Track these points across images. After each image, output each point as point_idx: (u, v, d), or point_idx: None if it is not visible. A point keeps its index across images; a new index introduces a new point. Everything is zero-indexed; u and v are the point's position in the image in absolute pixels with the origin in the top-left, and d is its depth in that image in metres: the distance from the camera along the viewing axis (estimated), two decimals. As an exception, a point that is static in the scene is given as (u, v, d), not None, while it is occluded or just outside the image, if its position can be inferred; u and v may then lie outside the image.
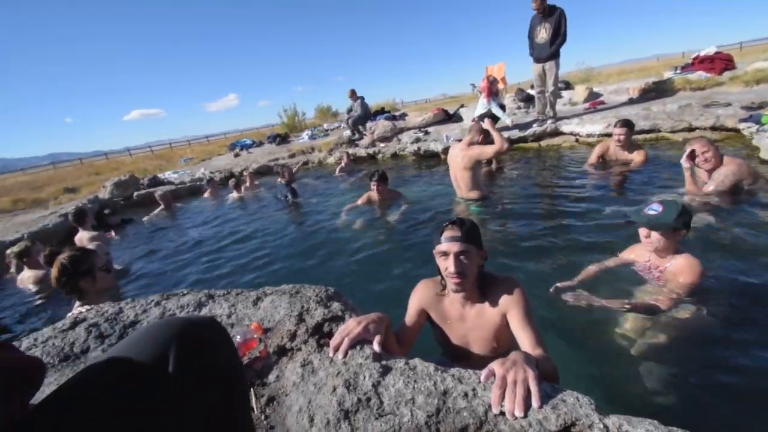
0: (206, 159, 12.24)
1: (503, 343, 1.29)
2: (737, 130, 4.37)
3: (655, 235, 1.73)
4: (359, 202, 4.01)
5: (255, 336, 1.13)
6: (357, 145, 8.55)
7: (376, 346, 0.99)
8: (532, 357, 0.90)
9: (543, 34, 5.57)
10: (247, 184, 6.57)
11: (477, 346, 1.31)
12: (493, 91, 6.52)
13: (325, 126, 12.83)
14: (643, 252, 1.88)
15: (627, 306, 1.70)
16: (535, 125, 6.20)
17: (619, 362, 1.58)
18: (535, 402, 0.74)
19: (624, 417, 0.70)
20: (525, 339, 1.14)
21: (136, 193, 7.47)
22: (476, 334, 1.31)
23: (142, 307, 1.38)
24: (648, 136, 5.11)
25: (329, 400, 0.84)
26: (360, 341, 1.01)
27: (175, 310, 1.34)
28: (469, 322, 1.31)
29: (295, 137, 12.26)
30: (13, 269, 3.66)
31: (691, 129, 4.82)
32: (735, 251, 2.19)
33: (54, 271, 1.76)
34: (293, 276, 2.97)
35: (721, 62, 7.04)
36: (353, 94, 9.18)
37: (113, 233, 5.02)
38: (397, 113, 10.54)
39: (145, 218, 5.69)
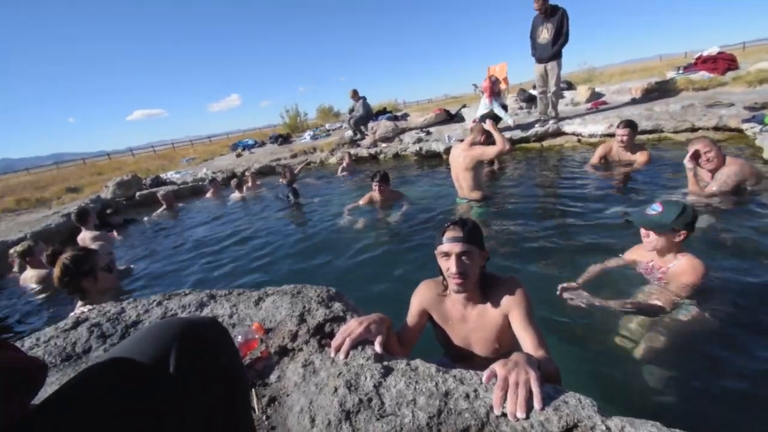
0: (208, 159, 12.27)
1: (505, 344, 1.28)
2: (740, 131, 4.35)
3: (653, 235, 1.73)
4: (361, 202, 4.01)
5: (256, 336, 1.13)
6: (359, 146, 8.55)
7: (377, 347, 0.99)
8: (534, 358, 0.90)
9: (545, 34, 5.56)
10: (249, 184, 6.58)
11: (479, 346, 1.31)
12: (495, 92, 6.52)
13: (327, 126, 12.85)
14: (646, 252, 1.88)
15: (628, 306, 1.69)
16: (537, 125, 6.19)
17: (622, 363, 1.57)
18: (537, 403, 0.73)
19: (626, 419, 0.70)
20: (527, 340, 1.13)
21: (138, 193, 7.50)
22: (478, 335, 1.30)
23: (144, 307, 1.39)
24: (650, 136, 5.10)
25: (330, 400, 0.84)
26: (361, 342, 1.01)
27: (176, 310, 1.34)
28: (471, 322, 1.31)
29: (297, 137, 12.28)
30: (15, 268, 3.67)
31: (693, 129, 4.80)
32: (738, 252, 2.18)
33: (56, 271, 1.76)
34: (295, 276, 2.97)
35: (724, 62, 7.01)
36: (355, 95, 9.19)
37: (115, 233, 5.03)
38: (398, 113, 10.54)
39: (146, 218, 5.71)
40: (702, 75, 6.93)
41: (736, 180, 2.63)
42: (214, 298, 1.40)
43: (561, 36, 5.47)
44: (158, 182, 8.18)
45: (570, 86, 8.49)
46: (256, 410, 0.91)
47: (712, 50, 7.44)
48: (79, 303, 1.80)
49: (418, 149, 6.98)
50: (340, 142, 9.13)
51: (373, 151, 7.83)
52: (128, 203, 7.33)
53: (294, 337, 1.10)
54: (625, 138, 3.81)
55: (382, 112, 10.54)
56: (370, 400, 0.82)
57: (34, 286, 3.25)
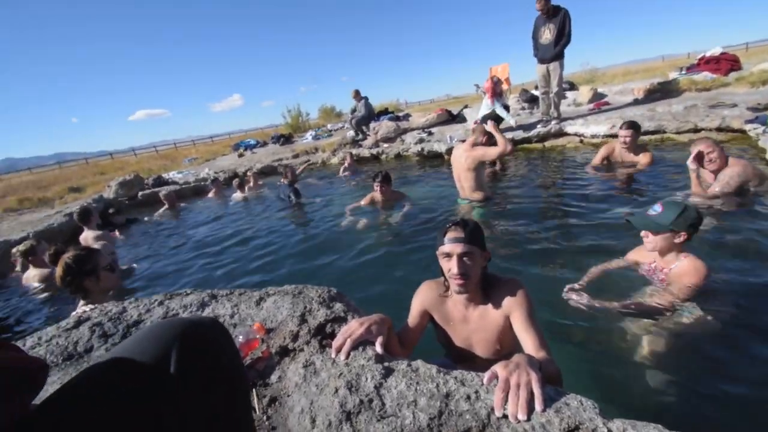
0: (210, 159, 12.30)
1: (506, 345, 1.28)
2: (743, 132, 4.33)
3: (652, 235, 1.72)
4: (362, 202, 4.01)
5: (257, 336, 1.13)
6: (360, 146, 8.55)
7: (378, 348, 0.99)
8: (536, 359, 0.90)
9: (547, 34, 5.55)
10: (251, 184, 6.60)
11: (480, 347, 1.31)
12: (497, 92, 6.51)
13: (329, 126, 12.86)
14: (648, 253, 1.87)
15: (630, 308, 1.69)
16: (539, 126, 6.18)
17: (623, 365, 1.57)
18: (538, 405, 0.73)
19: (628, 421, 0.69)
20: (528, 341, 1.13)
21: (140, 193, 7.52)
22: (479, 336, 1.30)
23: (146, 307, 1.39)
24: (653, 137, 5.08)
25: (331, 401, 0.84)
26: (362, 342, 1.01)
27: (178, 309, 1.35)
28: (472, 323, 1.30)
29: (299, 137, 12.30)
30: (18, 268, 3.69)
31: (696, 130, 4.78)
32: (740, 253, 2.17)
33: (59, 270, 1.77)
34: (296, 276, 2.97)
35: (726, 63, 6.99)
36: (357, 95, 9.19)
37: (117, 233, 5.05)
38: (400, 114, 10.54)
39: (146, 218, 5.73)
40: (705, 76, 6.91)
41: (738, 181, 2.62)
42: (215, 297, 1.40)
43: (563, 36, 5.47)
44: (160, 182, 8.20)
45: (572, 87, 8.47)
46: (257, 410, 0.91)
47: (715, 51, 7.41)
48: (81, 302, 1.81)
49: (419, 150, 6.98)
50: (341, 142, 9.14)
51: (374, 151, 7.83)
52: (130, 203, 7.35)
53: (295, 337, 1.10)
54: (628, 139, 3.80)
55: (384, 112, 10.54)
56: (370, 401, 0.82)
57: (36, 285, 3.26)
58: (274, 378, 1.00)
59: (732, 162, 2.69)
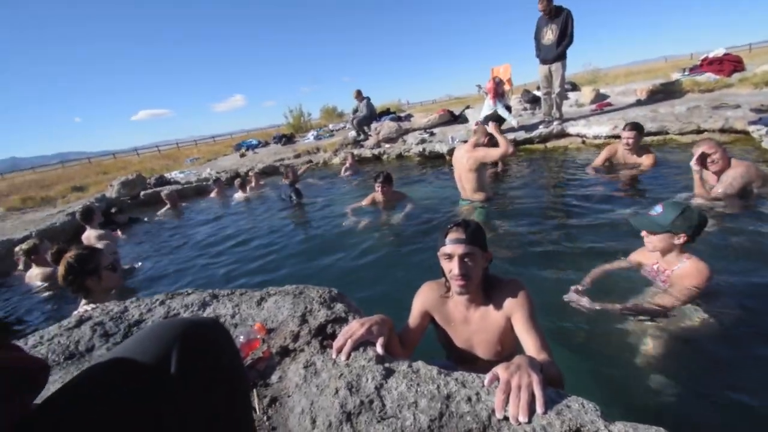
0: (212, 159, 12.33)
1: (507, 347, 1.28)
2: (746, 133, 4.31)
3: (650, 235, 1.72)
4: (364, 203, 4.01)
5: (258, 336, 1.13)
6: (362, 146, 8.56)
7: (379, 349, 0.98)
8: (537, 361, 0.89)
9: (549, 35, 5.54)
10: (253, 184, 6.61)
11: (481, 349, 1.30)
12: (499, 93, 6.50)
13: (331, 126, 12.88)
14: (651, 255, 1.86)
15: (631, 310, 1.68)
16: (541, 127, 6.16)
17: (625, 367, 1.56)
18: (539, 407, 0.73)
19: (630, 424, 0.69)
20: (529, 342, 1.13)
21: (142, 193, 7.54)
22: (480, 337, 1.30)
23: (147, 306, 1.39)
24: (655, 138, 5.06)
25: (331, 402, 0.84)
26: (363, 343, 1.00)
27: (179, 309, 1.35)
28: (473, 324, 1.30)
29: (300, 138, 12.32)
30: (21, 266, 3.71)
31: (699, 131, 4.76)
32: (744, 255, 2.16)
33: (61, 270, 1.77)
34: (297, 276, 2.97)
35: (730, 64, 6.96)
36: (359, 95, 9.20)
37: (119, 232, 5.07)
38: (402, 114, 10.55)
39: (146, 218, 5.75)
40: (708, 76, 6.89)
41: (742, 182, 2.61)
42: (216, 297, 1.41)
43: (565, 37, 5.46)
44: (162, 182, 8.22)
45: (574, 87, 8.46)
46: (258, 411, 0.91)
47: (718, 52, 7.39)
48: (83, 301, 1.81)
49: (421, 150, 6.97)
50: (343, 142, 9.15)
51: (376, 151, 7.83)
52: (133, 202, 7.37)
53: (296, 337, 1.10)
54: (631, 141, 3.78)
55: (386, 112, 10.55)
56: (371, 402, 0.82)
57: (38, 284, 3.27)
58: (274, 378, 1.00)
59: (735, 163, 2.67)
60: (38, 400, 0.54)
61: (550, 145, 5.98)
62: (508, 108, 6.75)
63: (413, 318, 1.34)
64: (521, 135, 6.13)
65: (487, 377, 0.82)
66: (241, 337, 1.09)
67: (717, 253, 2.18)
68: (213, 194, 6.86)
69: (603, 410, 0.73)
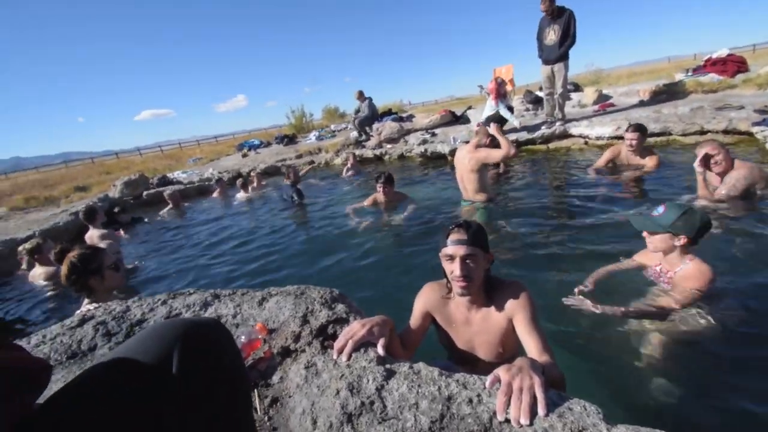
0: (215, 159, 12.36)
1: (509, 348, 1.27)
2: (750, 134, 4.29)
3: (650, 236, 1.71)
4: (365, 203, 4.02)
5: (259, 336, 1.13)
6: (364, 146, 8.56)
7: (380, 350, 0.98)
8: (539, 363, 0.89)
9: (552, 35, 5.53)
10: (255, 184, 6.62)
11: (482, 350, 1.30)
12: (501, 93, 6.49)
13: (333, 127, 12.89)
14: (654, 256, 1.85)
15: (632, 313, 1.67)
16: (543, 127, 6.15)
17: (627, 370, 1.55)
18: (541, 410, 0.72)
19: (633, 427, 0.69)
20: (531, 344, 1.12)
21: (145, 193, 7.57)
22: (482, 339, 1.29)
23: (149, 306, 1.40)
24: (658, 139, 5.04)
25: (332, 402, 0.83)
26: (364, 344, 1.00)
27: (181, 309, 1.35)
28: (475, 326, 1.30)
29: (302, 138, 12.33)
30: (24, 266, 3.73)
31: (702, 132, 4.74)
32: (747, 257, 2.15)
33: (64, 269, 1.78)
34: (298, 277, 2.98)
35: (733, 64, 6.93)
36: (361, 95, 9.20)
37: (122, 232, 5.09)
38: (404, 114, 10.55)
39: (146, 219, 5.77)
40: (711, 77, 6.86)
41: (745, 184, 2.60)
42: (218, 297, 1.41)
43: (568, 37, 5.44)
44: (165, 182, 8.25)
45: (577, 88, 8.44)
46: (259, 411, 0.91)
47: (722, 52, 7.35)
48: (86, 301, 1.82)
49: (423, 150, 6.97)
50: (345, 143, 9.15)
51: (378, 152, 7.83)
52: (135, 202, 7.40)
53: (297, 338, 1.10)
54: (634, 142, 3.76)
55: (388, 113, 10.56)
56: (372, 403, 0.81)
57: (42, 283, 3.29)
58: (275, 378, 1.00)
59: (738, 165, 2.66)
60: (41, 400, 0.55)
61: (552, 145, 5.97)
62: (510, 108, 6.74)
63: (414, 319, 1.34)
64: (523, 136, 6.12)
65: (489, 379, 0.82)
66: (243, 337, 1.09)
67: (720, 254, 2.17)
68: (215, 194, 6.88)
69: (605, 413, 0.73)
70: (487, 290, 1.28)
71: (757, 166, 2.71)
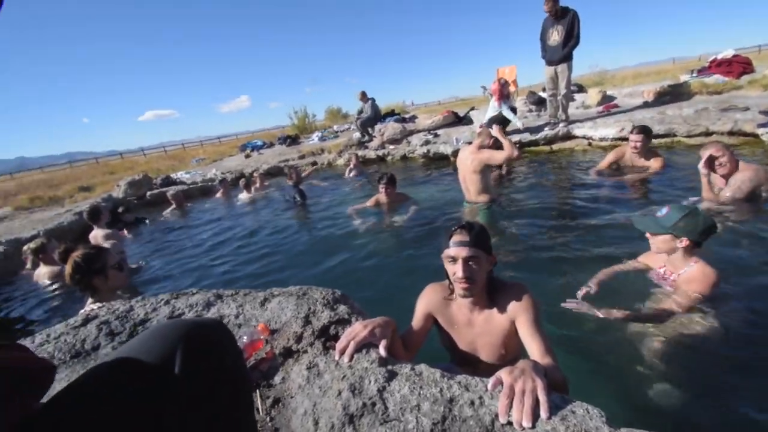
0: (218, 160, 12.42)
1: (511, 350, 1.27)
2: (755, 135, 4.26)
3: (652, 237, 1.70)
4: (368, 204, 4.02)
5: (262, 337, 1.14)
6: (366, 147, 8.56)
7: (381, 351, 0.98)
8: (541, 366, 0.89)
9: (555, 36, 5.51)
10: (258, 185, 6.64)
11: (484, 352, 1.30)
12: (504, 94, 6.48)
13: (335, 128, 12.91)
14: (658, 258, 1.84)
15: (634, 318, 1.66)
16: (546, 128, 6.13)
17: (631, 373, 1.54)
18: (543, 413, 0.72)
19: (636, 430, 0.68)
20: (534, 347, 1.12)
21: (149, 193, 7.61)
22: (484, 340, 1.29)
23: (152, 306, 1.40)
24: (663, 140, 5.01)
25: (334, 403, 0.83)
26: (366, 345, 1.00)
27: (184, 309, 1.36)
28: (477, 327, 1.30)
29: (305, 139, 12.36)
30: (29, 265, 3.75)
31: (707, 134, 4.71)
32: (752, 259, 2.13)
33: (68, 269, 1.79)
34: (300, 277, 2.98)
35: (739, 66, 6.88)
36: (364, 96, 9.20)
37: (126, 232, 5.11)
38: (406, 115, 10.55)
39: (147, 220, 5.80)
40: (716, 78, 6.82)
41: (750, 186, 2.58)
42: (220, 297, 1.41)
43: (571, 38, 5.43)
44: (168, 182, 8.29)
45: (581, 89, 8.41)
46: (260, 411, 0.91)
47: (727, 53, 7.31)
48: (90, 300, 1.83)
49: (425, 151, 6.97)
50: (347, 143, 9.16)
51: (380, 152, 7.84)
52: (139, 202, 7.45)
53: (299, 338, 1.10)
54: (639, 144, 3.73)
55: (390, 113, 10.56)
56: (373, 404, 0.81)
57: (46, 282, 3.31)
58: (277, 379, 1.00)
59: (743, 166, 2.64)
60: (44, 399, 0.55)
61: (555, 147, 5.95)
62: (513, 109, 6.73)
63: (416, 320, 1.34)
64: (526, 137, 6.11)
65: (491, 381, 0.82)
66: (245, 337, 1.09)
67: (725, 257, 2.15)
68: (218, 195, 6.91)
69: (608, 416, 0.72)
70: (490, 292, 1.28)
71: (762, 167, 2.69)
